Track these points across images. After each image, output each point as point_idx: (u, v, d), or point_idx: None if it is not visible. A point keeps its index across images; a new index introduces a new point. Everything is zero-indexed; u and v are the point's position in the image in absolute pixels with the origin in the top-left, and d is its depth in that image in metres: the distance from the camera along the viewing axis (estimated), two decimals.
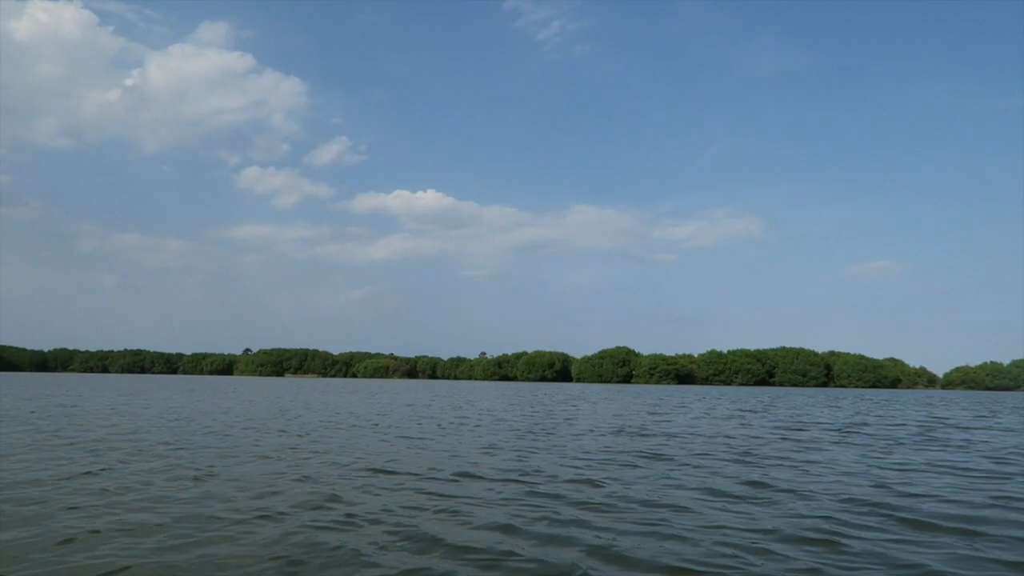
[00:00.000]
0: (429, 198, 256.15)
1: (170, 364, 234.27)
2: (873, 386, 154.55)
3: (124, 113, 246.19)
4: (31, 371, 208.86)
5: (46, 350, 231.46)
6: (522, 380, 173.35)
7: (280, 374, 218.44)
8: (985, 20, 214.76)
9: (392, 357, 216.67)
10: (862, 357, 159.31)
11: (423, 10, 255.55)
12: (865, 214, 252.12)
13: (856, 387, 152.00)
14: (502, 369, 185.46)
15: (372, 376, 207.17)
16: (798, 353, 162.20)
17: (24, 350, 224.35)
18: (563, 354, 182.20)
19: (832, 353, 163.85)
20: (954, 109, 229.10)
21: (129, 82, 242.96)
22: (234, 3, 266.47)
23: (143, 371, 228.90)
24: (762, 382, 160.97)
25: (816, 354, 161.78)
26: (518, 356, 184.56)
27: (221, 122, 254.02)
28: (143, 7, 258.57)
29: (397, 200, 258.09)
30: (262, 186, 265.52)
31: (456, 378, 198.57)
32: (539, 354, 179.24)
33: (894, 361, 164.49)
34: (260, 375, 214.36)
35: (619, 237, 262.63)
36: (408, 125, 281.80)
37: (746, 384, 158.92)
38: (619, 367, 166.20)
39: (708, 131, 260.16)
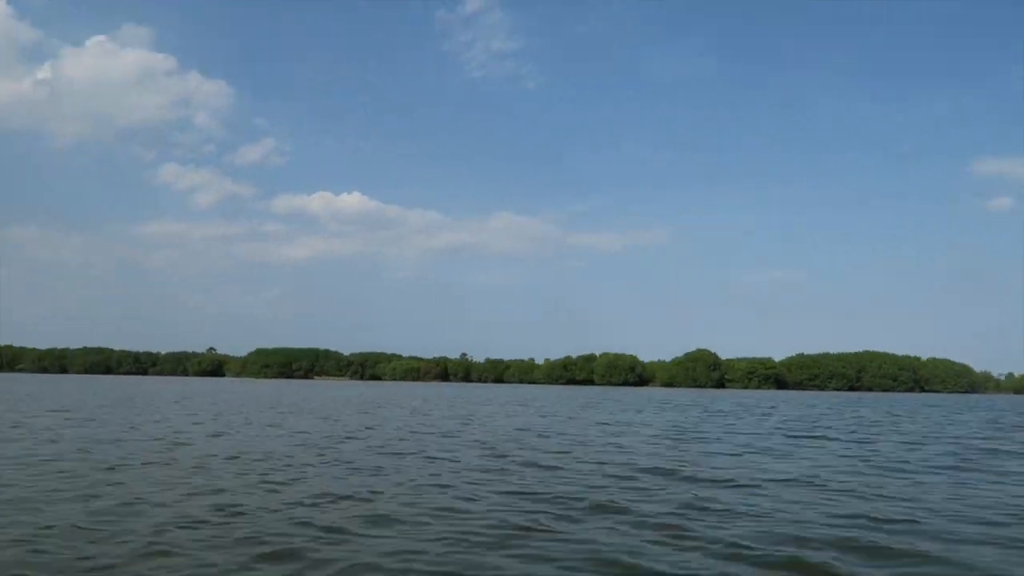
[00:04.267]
0: (353, 200, 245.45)
1: (140, 364, 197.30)
2: (965, 391, 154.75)
3: (35, 105, 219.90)
4: None
5: None
6: (600, 384, 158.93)
7: (289, 376, 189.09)
8: (882, 33, 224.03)
9: (416, 359, 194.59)
10: (950, 362, 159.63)
11: (350, 18, 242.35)
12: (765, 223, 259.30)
13: (950, 392, 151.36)
14: (568, 372, 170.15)
15: (402, 379, 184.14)
16: (884, 358, 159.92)
17: None
18: (632, 356, 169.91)
19: (914, 357, 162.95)
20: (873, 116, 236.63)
21: (42, 74, 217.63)
22: (159, 7, 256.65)
23: (108, 371, 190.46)
24: (851, 387, 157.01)
25: (903, 358, 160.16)
26: (588, 359, 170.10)
27: (138, 119, 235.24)
28: (64, 3, 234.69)
29: (320, 201, 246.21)
30: (181, 183, 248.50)
31: (504, 381, 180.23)
32: (619, 357, 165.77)
33: (965, 366, 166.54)
34: (265, 377, 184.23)
35: (535, 243, 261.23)
36: (333, 129, 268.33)
37: (839, 389, 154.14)
38: (711, 371, 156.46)
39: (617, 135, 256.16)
